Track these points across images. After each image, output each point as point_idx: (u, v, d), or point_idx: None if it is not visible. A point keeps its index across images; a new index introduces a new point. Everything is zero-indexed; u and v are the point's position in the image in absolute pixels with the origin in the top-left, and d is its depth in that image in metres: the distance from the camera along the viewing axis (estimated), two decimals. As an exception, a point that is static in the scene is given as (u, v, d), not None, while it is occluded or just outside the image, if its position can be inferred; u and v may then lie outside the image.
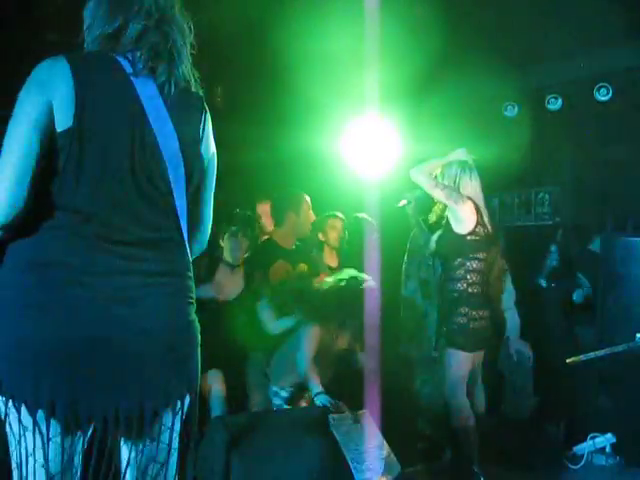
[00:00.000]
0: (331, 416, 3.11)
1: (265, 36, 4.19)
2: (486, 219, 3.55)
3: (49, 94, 1.38)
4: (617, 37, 4.74)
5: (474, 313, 3.45)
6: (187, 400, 1.53)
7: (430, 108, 5.60)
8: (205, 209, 1.68)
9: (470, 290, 3.46)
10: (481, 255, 3.49)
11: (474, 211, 3.48)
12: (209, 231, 1.72)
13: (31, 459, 1.38)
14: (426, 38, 4.14)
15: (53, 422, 1.38)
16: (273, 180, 5.01)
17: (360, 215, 4.45)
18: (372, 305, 3.73)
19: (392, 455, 3.06)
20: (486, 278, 3.55)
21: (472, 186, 3.55)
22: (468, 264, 3.47)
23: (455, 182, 3.55)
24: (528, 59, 5.24)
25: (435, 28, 4.15)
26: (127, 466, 1.50)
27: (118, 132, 1.43)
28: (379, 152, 4.63)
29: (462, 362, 3.47)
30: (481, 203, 3.56)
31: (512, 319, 4.01)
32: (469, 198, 3.49)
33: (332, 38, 4.13)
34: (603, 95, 5.02)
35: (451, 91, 5.54)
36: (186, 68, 1.54)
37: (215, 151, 1.67)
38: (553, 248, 4.93)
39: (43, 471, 1.39)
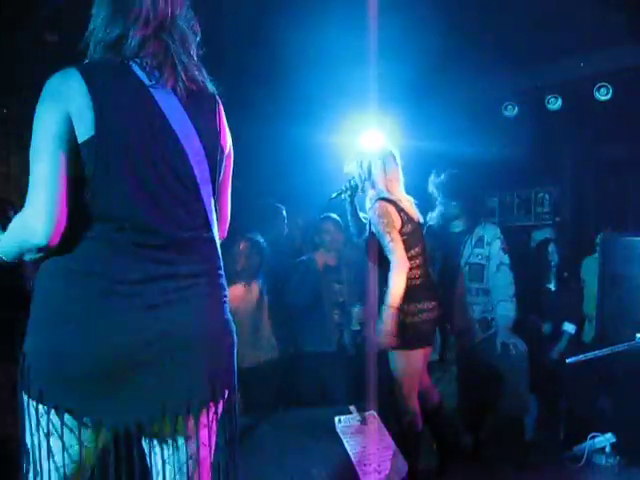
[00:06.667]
0: (337, 417, 3.10)
1: (265, 36, 4.20)
2: (410, 211, 3.43)
3: (66, 107, 1.38)
4: (617, 37, 4.74)
5: (412, 307, 3.29)
6: (224, 398, 1.55)
7: (430, 108, 5.61)
8: (224, 201, 1.70)
9: (407, 284, 3.29)
10: (414, 251, 3.37)
11: (396, 212, 3.35)
12: (228, 224, 1.74)
13: (51, 462, 1.41)
14: (426, 38, 4.14)
15: (96, 431, 1.42)
16: (273, 178, 5.02)
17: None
18: (372, 305, 3.72)
19: (400, 455, 3.05)
20: (425, 270, 3.42)
21: (388, 177, 3.42)
22: None
23: (370, 175, 3.42)
24: (528, 59, 5.24)
25: (435, 28, 4.15)
26: (164, 465, 1.52)
27: (140, 136, 1.43)
28: (379, 151, 4.62)
29: (407, 361, 3.33)
30: (400, 194, 3.43)
31: (503, 310, 3.96)
32: (386, 200, 3.37)
33: (332, 37, 4.13)
34: (603, 95, 5.03)
35: (451, 91, 5.54)
36: (193, 69, 1.55)
37: (231, 144, 1.68)
38: (551, 248, 4.95)
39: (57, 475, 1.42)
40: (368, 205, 3.46)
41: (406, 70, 4.45)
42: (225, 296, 1.57)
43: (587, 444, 3.92)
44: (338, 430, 3.05)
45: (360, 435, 3.05)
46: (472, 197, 4.18)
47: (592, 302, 4.78)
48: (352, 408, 3.25)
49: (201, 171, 1.51)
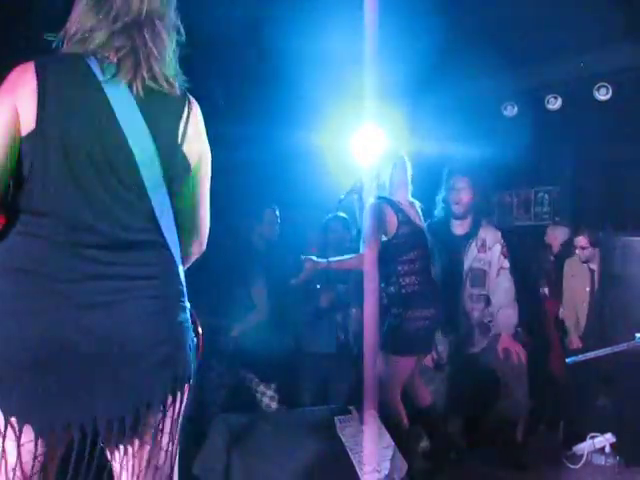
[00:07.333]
0: (337, 417, 3.10)
1: (265, 36, 4.20)
2: (410, 214, 3.42)
3: (14, 100, 1.38)
4: (617, 37, 4.74)
5: (409, 313, 3.30)
6: (176, 400, 1.50)
7: (430, 108, 5.61)
8: (199, 210, 1.64)
9: (404, 291, 3.34)
10: (412, 255, 3.37)
11: (392, 212, 3.36)
12: (207, 232, 1.69)
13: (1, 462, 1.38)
14: (426, 38, 4.14)
15: (27, 429, 1.37)
16: (273, 179, 5.02)
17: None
18: (372, 304, 3.71)
19: (399, 455, 3.05)
20: (424, 277, 3.42)
21: (394, 181, 3.44)
22: (400, 268, 3.36)
23: (378, 176, 3.46)
24: (528, 59, 5.24)
25: (435, 28, 4.15)
26: (121, 470, 1.49)
27: (83, 134, 1.41)
28: (378, 151, 4.62)
29: (397, 367, 3.35)
30: (403, 198, 3.44)
31: (503, 316, 3.95)
32: (385, 200, 3.38)
33: (332, 37, 4.12)
34: (603, 95, 5.03)
35: (451, 91, 5.54)
36: (159, 68, 1.51)
37: (206, 150, 1.63)
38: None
39: (12, 474, 1.39)
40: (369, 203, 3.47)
41: (405, 70, 4.45)
42: (182, 300, 1.53)
43: (587, 444, 3.92)
44: (338, 430, 3.05)
45: (360, 435, 3.05)
46: (479, 197, 4.13)
47: (572, 308, 4.75)
48: (352, 408, 3.25)
49: (152, 174, 1.47)
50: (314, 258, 3.43)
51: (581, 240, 4.52)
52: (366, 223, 3.34)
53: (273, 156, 5.12)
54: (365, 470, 2.90)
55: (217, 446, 2.85)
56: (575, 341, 4.63)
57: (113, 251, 1.43)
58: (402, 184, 3.48)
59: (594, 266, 4.58)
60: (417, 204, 3.55)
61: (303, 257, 3.45)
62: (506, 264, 3.98)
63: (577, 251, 4.59)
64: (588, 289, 4.61)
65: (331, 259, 3.45)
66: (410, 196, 3.55)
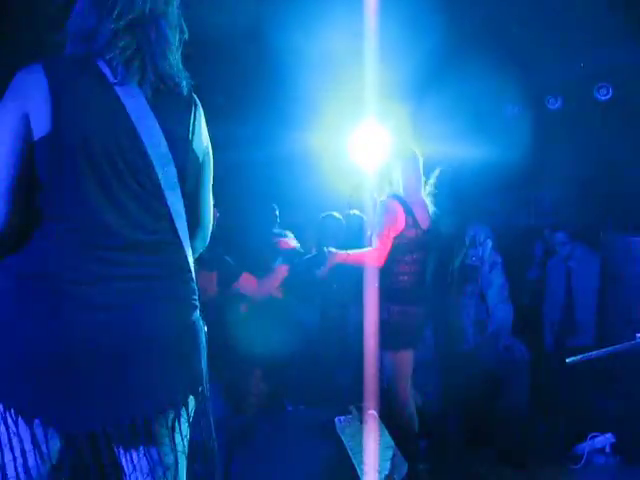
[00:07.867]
0: (338, 417, 3.10)
1: (265, 36, 4.20)
2: (419, 216, 3.40)
3: (25, 103, 1.37)
4: (617, 37, 4.74)
5: (397, 308, 3.32)
6: (191, 402, 1.52)
7: (430, 108, 5.60)
8: (204, 207, 1.67)
9: (394, 287, 3.35)
10: (411, 257, 3.37)
11: (403, 212, 3.34)
12: (210, 228, 1.72)
13: (13, 463, 1.38)
14: (426, 37, 4.14)
15: (46, 430, 1.38)
16: (272, 179, 5.02)
17: (354, 212, 4.47)
18: (373, 302, 3.71)
19: (399, 455, 3.05)
20: (418, 278, 3.42)
21: (406, 179, 3.42)
22: (395, 268, 3.35)
23: (389, 175, 3.44)
24: (528, 59, 5.24)
25: (435, 27, 4.15)
26: (133, 471, 1.50)
27: (99, 135, 1.41)
28: (378, 152, 4.62)
29: (396, 362, 3.36)
30: (414, 198, 3.41)
31: (501, 313, 3.95)
32: (397, 198, 3.37)
33: (332, 37, 4.13)
34: (603, 95, 5.03)
35: (451, 91, 5.54)
36: (166, 68, 1.51)
37: (209, 147, 1.65)
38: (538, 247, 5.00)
39: (25, 476, 1.39)
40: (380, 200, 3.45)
41: (406, 70, 4.45)
42: (194, 299, 1.54)
43: (587, 444, 3.92)
44: (338, 430, 3.05)
45: (360, 435, 3.05)
46: (463, 196, 4.13)
47: (553, 307, 4.74)
48: (352, 408, 3.25)
49: (167, 174, 1.48)
50: (334, 250, 3.41)
51: (560, 236, 4.54)
52: (379, 220, 3.33)
53: (273, 156, 5.12)
54: (365, 470, 2.90)
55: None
56: (548, 340, 4.65)
57: (131, 252, 1.44)
58: (415, 182, 3.46)
59: (573, 264, 4.60)
60: (428, 204, 3.53)
61: (326, 249, 3.43)
62: (499, 258, 4.00)
63: (557, 247, 4.61)
64: (564, 289, 4.62)
65: (350, 251, 3.44)
66: (423, 192, 3.52)
